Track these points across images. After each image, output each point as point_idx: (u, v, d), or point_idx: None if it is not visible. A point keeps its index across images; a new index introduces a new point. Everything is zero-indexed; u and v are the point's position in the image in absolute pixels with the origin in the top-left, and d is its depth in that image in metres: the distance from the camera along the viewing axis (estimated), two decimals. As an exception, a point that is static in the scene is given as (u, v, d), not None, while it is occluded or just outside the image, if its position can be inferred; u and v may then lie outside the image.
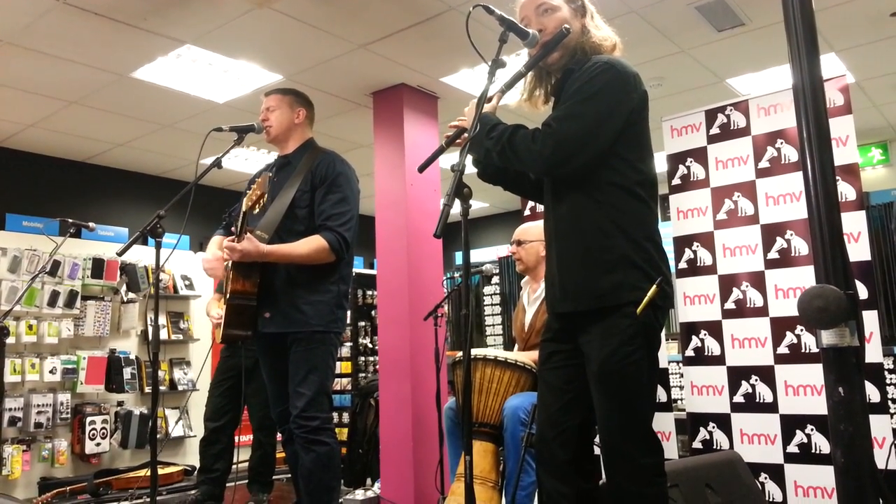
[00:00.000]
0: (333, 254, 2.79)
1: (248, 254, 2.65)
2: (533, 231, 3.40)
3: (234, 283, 2.73)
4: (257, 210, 2.70)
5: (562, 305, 1.98)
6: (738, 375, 3.22)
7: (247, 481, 4.17)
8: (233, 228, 2.87)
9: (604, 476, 1.91)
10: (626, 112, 1.92)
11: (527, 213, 4.08)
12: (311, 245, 2.76)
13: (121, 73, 4.65)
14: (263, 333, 2.82)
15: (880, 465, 2.73)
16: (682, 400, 4.07)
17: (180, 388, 5.85)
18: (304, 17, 4.02)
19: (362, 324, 5.80)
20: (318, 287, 2.82)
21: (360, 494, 4.61)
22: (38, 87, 4.85)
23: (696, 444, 3.30)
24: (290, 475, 3.90)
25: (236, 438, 3.93)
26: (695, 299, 3.40)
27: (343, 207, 2.85)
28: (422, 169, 2.07)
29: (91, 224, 4.15)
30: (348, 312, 5.25)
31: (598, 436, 1.95)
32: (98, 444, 5.24)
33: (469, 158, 1.94)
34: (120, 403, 5.53)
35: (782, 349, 3.12)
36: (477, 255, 8.84)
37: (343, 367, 5.68)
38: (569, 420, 1.97)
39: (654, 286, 1.84)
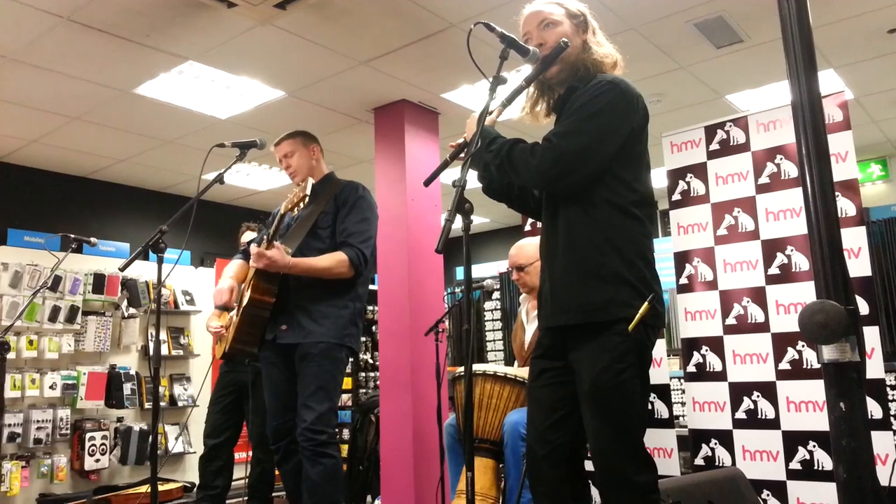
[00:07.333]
0: (353, 269, 2.89)
1: (274, 262, 2.72)
2: (532, 253, 3.35)
3: (254, 291, 2.81)
4: (296, 212, 2.79)
5: (553, 319, 1.99)
6: (739, 391, 3.21)
7: (246, 498, 4.14)
8: (264, 235, 2.97)
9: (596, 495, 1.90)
10: (626, 131, 1.93)
11: (527, 228, 4.08)
12: (332, 259, 2.86)
13: (123, 89, 4.68)
14: (278, 344, 2.86)
15: (883, 482, 2.71)
16: (683, 416, 4.05)
17: (180, 403, 5.83)
18: (305, 34, 4.05)
19: (363, 339, 5.80)
20: (335, 302, 2.90)
21: (360, 511, 4.59)
22: (41, 103, 4.88)
23: (698, 461, 3.28)
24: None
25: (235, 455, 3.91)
26: (696, 315, 3.40)
27: (364, 226, 2.97)
28: (427, 183, 2.08)
29: (93, 239, 4.14)
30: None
31: (590, 454, 1.94)
32: (97, 461, 5.22)
33: (472, 174, 1.94)
34: (119, 419, 5.51)
35: (784, 365, 3.11)
36: (478, 271, 8.83)
37: (343, 382, 5.66)
38: (558, 438, 1.96)
39: (646, 304, 1.85)
